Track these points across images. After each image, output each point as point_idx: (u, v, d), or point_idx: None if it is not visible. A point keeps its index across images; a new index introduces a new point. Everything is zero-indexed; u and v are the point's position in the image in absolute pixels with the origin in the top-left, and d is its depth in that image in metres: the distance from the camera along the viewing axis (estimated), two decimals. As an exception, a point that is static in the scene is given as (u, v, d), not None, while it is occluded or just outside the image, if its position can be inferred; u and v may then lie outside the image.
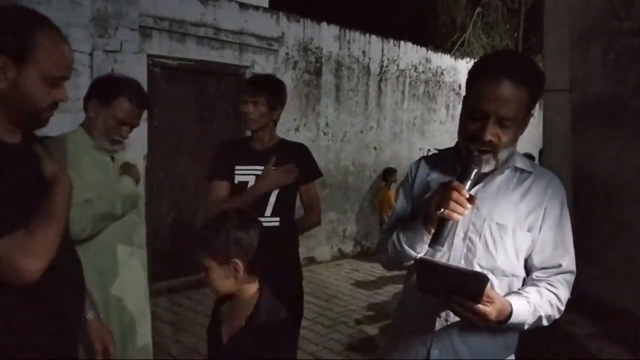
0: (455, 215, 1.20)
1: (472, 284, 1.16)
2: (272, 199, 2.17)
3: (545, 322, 1.30)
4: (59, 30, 1.20)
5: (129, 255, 1.97)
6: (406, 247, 1.33)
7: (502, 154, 1.28)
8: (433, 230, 1.25)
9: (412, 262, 1.36)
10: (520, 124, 1.27)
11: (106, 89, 1.88)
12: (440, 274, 1.22)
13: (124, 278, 1.95)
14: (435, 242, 1.22)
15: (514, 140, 1.29)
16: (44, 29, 1.15)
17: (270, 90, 2.20)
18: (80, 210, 1.71)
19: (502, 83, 1.21)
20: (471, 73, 1.31)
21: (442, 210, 1.19)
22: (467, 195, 1.20)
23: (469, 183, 1.22)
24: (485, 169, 1.28)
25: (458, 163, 1.34)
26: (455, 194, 1.19)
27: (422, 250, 1.32)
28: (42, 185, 1.20)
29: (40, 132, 1.33)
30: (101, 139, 1.87)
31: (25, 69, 1.12)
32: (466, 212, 1.22)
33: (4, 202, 1.09)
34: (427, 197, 1.36)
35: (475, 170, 1.23)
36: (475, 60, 1.37)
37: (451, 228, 1.23)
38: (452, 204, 1.18)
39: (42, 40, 1.14)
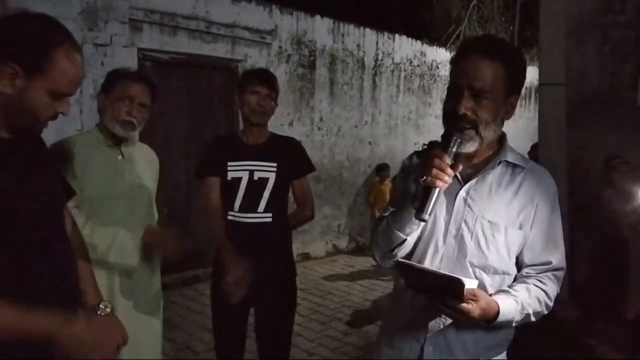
0: (438, 182, 1.17)
1: (450, 287, 1.16)
2: (266, 194, 2.15)
3: (533, 319, 1.30)
4: (79, 49, 1.20)
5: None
6: (395, 230, 1.30)
7: (486, 132, 1.25)
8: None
9: (399, 244, 1.33)
10: (499, 101, 1.25)
11: (108, 77, 1.94)
12: (418, 276, 1.22)
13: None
14: (420, 211, 1.19)
15: (495, 118, 1.25)
16: (62, 46, 1.15)
17: (277, 87, 2.24)
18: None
19: (472, 56, 1.23)
20: (451, 61, 1.31)
21: (425, 177, 1.18)
22: (449, 162, 1.19)
23: (452, 150, 1.20)
24: (469, 147, 1.25)
25: None
26: (437, 161, 1.17)
27: (411, 231, 1.29)
28: (33, 180, 1.20)
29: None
30: (112, 124, 1.88)
31: (34, 81, 1.12)
32: (449, 179, 1.19)
33: None
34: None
35: (456, 138, 1.21)
36: None
37: (436, 198, 1.19)
38: (434, 171, 1.17)
39: (58, 57, 1.14)
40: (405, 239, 1.31)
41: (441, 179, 1.17)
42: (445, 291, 1.18)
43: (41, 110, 1.16)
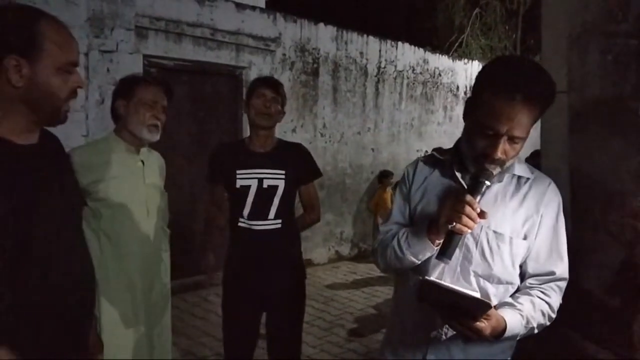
0: (466, 230, 1.19)
1: (473, 308, 1.16)
2: (276, 201, 2.16)
3: (536, 331, 1.30)
4: (57, 18, 1.20)
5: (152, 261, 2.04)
6: (409, 256, 1.32)
7: (508, 164, 1.28)
8: (438, 241, 1.26)
9: (410, 267, 1.35)
10: (527, 135, 1.25)
11: (125, 83, 1.95)
12: (442, 295, 1.22)
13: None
14: (444, 254, 1.21)
15: (519, 151, 1.27)
16: (44, 20, 1.15)
17: (283, 93, 2.25)
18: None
19: (517, 104, 1.16)
20: (482, 83, 1.26)
21: (454, 224, 1.19)
22: (479, 210, 1.19)
23: (479, 197, 1.21)
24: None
25: (457, 165, 1.34)
26: (468, 209, 1.17)
27: (424, 258, 1.32)
28: (54, 186, 1.20)
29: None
30: (139, 129, 1.89)
31: (38, 63, 1.13)
32: (475, 226, 1.21)
33: (11, 203, 1.08)
34: (426, 203, 1.36)
35: (486, 184, 1.22)
36: (485, 67, 1.30)
37: (459, 241, 1.23)
38: (465, 219, 1.17)
39: (46, 31, 1.14)
40: (418, 263, 1.33)
41: (470, 227, 1.19)
42: (461, 311, 1.18)
43: (58, 89, 1.17)
